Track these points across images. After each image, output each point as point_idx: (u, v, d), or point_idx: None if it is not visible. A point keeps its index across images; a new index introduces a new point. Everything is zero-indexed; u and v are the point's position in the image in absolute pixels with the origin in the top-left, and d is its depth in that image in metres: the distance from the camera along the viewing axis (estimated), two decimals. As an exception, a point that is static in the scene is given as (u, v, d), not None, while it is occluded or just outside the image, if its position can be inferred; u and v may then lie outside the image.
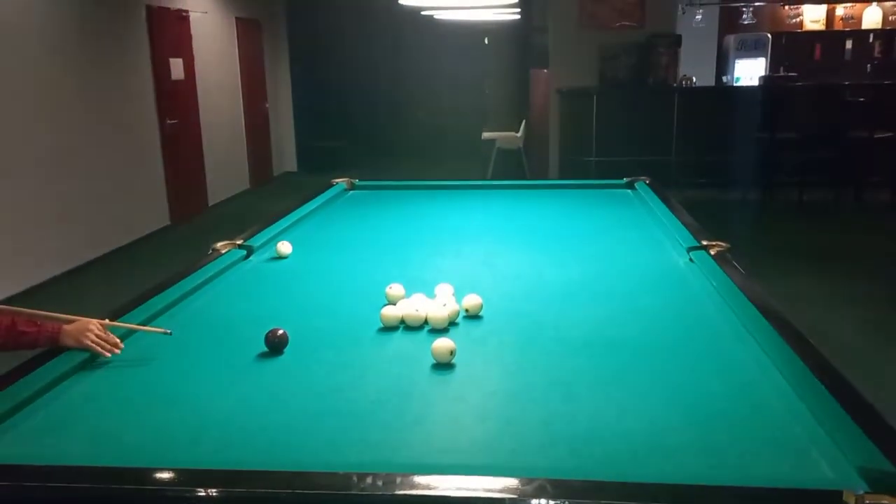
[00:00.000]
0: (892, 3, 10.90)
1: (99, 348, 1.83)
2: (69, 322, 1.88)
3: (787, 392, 1.59)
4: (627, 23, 8.56)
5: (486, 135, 9.84)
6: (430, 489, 1.23)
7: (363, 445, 1.43)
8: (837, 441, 1.37)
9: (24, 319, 1.85)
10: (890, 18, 11.16)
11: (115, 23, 6.91)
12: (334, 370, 1.79)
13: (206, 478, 1.29)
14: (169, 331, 1.94)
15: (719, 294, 2.23)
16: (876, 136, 7.74)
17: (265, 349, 1.88)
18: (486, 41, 11.15)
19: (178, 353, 1.91)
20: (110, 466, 1.33)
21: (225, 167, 9.19)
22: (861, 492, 1.18)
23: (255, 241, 2.91)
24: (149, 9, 7.40)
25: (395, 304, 2.12)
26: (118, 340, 1.88)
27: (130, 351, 1.88)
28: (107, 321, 1.94)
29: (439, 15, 8.10)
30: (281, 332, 1.89)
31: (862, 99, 8.10)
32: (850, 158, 7.97)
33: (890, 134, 7.75)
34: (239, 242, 2.84)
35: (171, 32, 7.85)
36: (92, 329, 1.85)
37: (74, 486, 1.29)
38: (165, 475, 1.31)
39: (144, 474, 1.30)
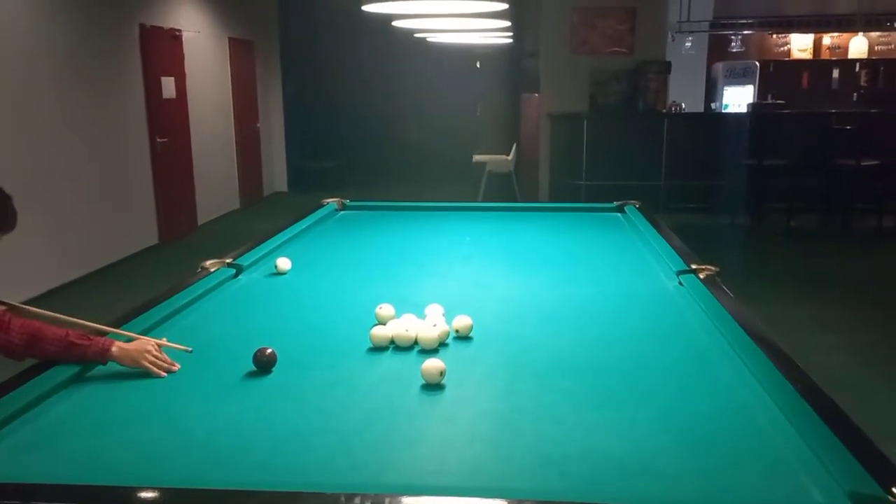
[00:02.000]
0: (877, 33, 11.07)
1: (155, 369, 1.84)
2: (127, 339, 1.90)
3: (776, 415, 1.59)
4: (618, 49, 8.66)
5: (477, 157, 9.88)
6: (418, 511, 1.22)
7: (351, 466, 1.41)
8: (827, 465, 1.36)
9: (77, 332, 1.85)
10: (876, 48, 11.34)
11: (108, 41, 6.93)
12: (323, 390, 1.78)
13: (192, 498, 1.28)
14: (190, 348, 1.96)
15: (708, 317, 2.23)
16: (862, 163, 7.82)
17: (253, 368, 1.86)
18: (479, 65, 11.24)
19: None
20: (94, 485, 1.31)
21: (215, 186, 9.18)
22: (851, 516, 1.19)
23: (245, 260, 2.90)
24: (142, 28, 7.42)
25: (384, 325, 2.11)
26: (172, 361, 1.89)
27: (118, 368, 1.86)
28: (164, 341, 1.96)
29: (432, 38, 8.16)
30: (269, 351, 1.88)
31: (849, 127, 8.19)
32: (836, 185, 8.05)
33: (876, 162, 7.83)
34: (228, 261, 2.83)
35: (163, 51, 7.86)
36: (150, 350, 1.87)
37: (57, 505, 1.27)
38: (150, 494, 1.29)
39: (129, 493, 1.28)
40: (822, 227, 8.10)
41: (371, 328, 2.08)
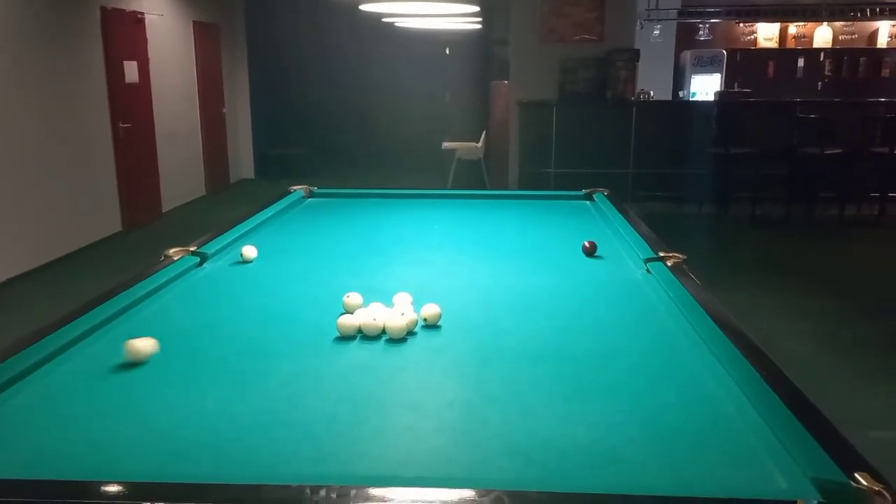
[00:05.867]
0: (841, 23, 11.23)
1: None
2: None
3: (742, 403, 1.60)
4: (587, 37, 8.68)
5: (446, 145, 9.86)
6: (385, 501, 1.21)
7: (317, 457, 1.39)
8: (792, 452, 1.37)
9: None
10: (840, 38, 11.51)
11: (68, 24, 6.77)
12: (288, 380, 1.75)
13: (154, 491, 1.25)
14: None
15: (676, 305, 2.24)
16: (826, 152, 7.94)
17: (220, 356, 1.83)
18: (448, 51, 11.19)
19: (124, 363, 1.85)
20: (52, 480, 1.28)
21: (180, 173, 9.05)
22: (815, 502, 1.20)
23: (209, 248, 2.85)
24: (103, 10, 7.26)
25: (352, 313, 2.08)
26: None
27: (75, 360, 1.82)
28: None
29: (400, 23, 8.10)
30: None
31: (813, 116, 8.31)
32: (801, 174, 8.16)
33: (839, 150, 7.95)
34: (192, 249, 2.78)
35: (125, 34, 7.71)
36: None
37: (13, 501, 1.23)
38: (110, 489, 1.26)
39: (88, 487, 1.25)
40: (786, 216, 8.21)
41: (338, 317, 2.05)
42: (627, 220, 3.31)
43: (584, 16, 8.65)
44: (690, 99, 10.70)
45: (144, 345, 1.81)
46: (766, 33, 11.68)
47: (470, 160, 9.68)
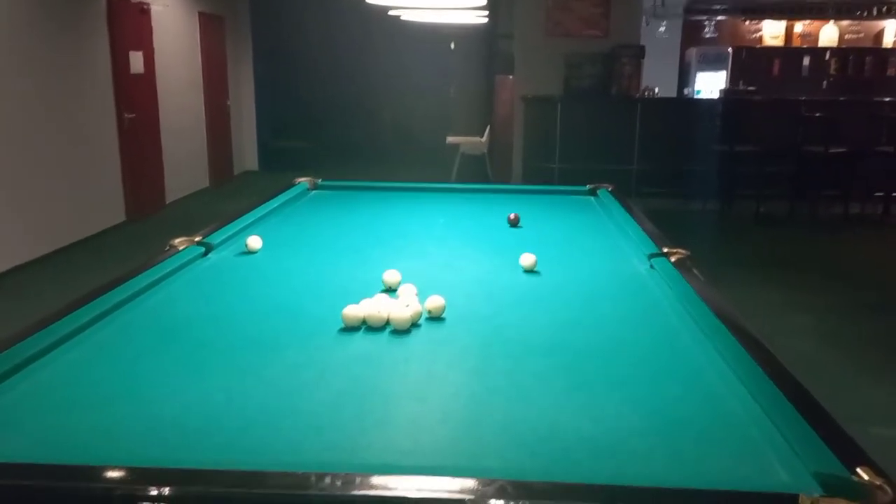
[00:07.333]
0: (847, 21, 11.21)
1: None
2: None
3: (745, 397, 1.61)
4: (592, 32, 8.66)
5: (450, 139, 9.86)
6: (389, 490, 1.21)
7: (322, 446, 1.40)
8: (793, 446, 1.38)
9: None
10: (846, 37, 11.48)
11: (74, 14, 6.77)
12: (293, 370, 1.76)
13: (160, 476, 1.26)
14: None
15: (679, 300, 2.25)
16: (830, 150, 7.92)
17: (225, 346, 1.84)
18: (453, 46, 11.18)
19: (131, 351, 1.86)
20: (59, 464, 1.29)
21: (184, 164, 9.05)
22: (816, 495, 1.20)
23: (214, 239, 2.86)
24: (109, 0, 7.26)
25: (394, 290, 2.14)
26: None
27: (82, 347, 1.83)
28: None
29: (406, 16, 8.09)
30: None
31: (818, 114, 8.30)
32: (805, 172, 8.15)
33: (844, 149, 7.94)
34: (197, 239, 2.78)
35: (131, 25, 7.71)
36: None
37: (20, 484, 1.24)
38: (117, 473, 1.26)
39: (95, 472, 1.26)
40: (790, 213, 8.21)
41: (342, 308, 2.06)
42: (631, 216, 3.31)
43: (590, 11, 8.63)
44: (695, 96, 10.68)
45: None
46: (772, 31, 11.65)
47: (474, 155, 9.68)
